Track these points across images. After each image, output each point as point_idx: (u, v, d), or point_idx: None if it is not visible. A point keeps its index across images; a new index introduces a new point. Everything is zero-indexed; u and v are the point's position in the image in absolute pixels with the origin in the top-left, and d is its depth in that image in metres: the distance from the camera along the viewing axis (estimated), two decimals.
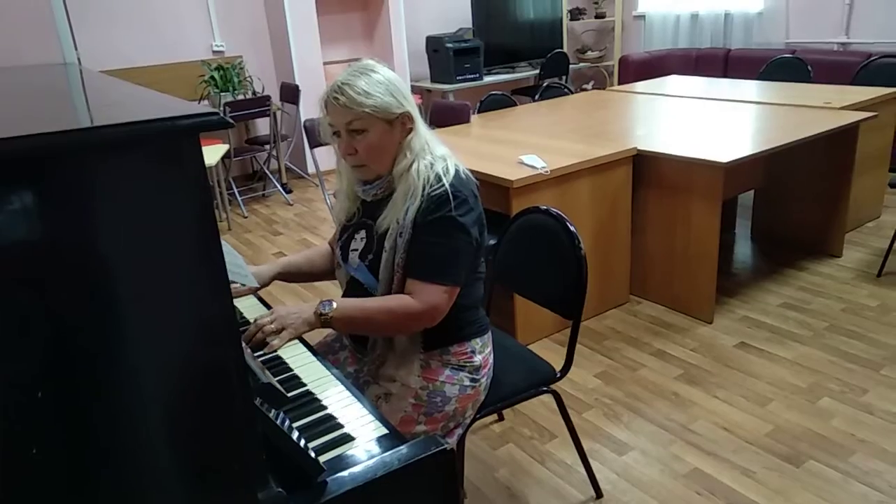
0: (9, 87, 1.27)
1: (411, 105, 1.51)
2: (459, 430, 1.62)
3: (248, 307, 1.68)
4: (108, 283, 0.76)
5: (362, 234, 1.60)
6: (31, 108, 1.05)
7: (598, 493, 1.95)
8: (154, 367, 0.81)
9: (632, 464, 2.08)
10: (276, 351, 1.40)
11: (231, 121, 0.79)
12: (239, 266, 1.51)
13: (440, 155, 1.54)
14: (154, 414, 0.83)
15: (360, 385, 1.62)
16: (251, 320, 1.49)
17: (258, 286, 1.66)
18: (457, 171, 1.52)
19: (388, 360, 1.60)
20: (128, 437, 0.82)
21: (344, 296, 1.69)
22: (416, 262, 1.48)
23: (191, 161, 0.76)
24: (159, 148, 0.74)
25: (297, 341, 1.46)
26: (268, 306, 1.66)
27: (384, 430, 1.14)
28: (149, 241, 0.77)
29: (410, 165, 1.50)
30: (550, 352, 2.71)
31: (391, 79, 1.49)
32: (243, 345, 0.90)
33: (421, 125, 1.54)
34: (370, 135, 1.47)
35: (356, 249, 1.59)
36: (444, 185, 1.47)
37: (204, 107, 0.77)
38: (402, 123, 1.50)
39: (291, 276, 1.77)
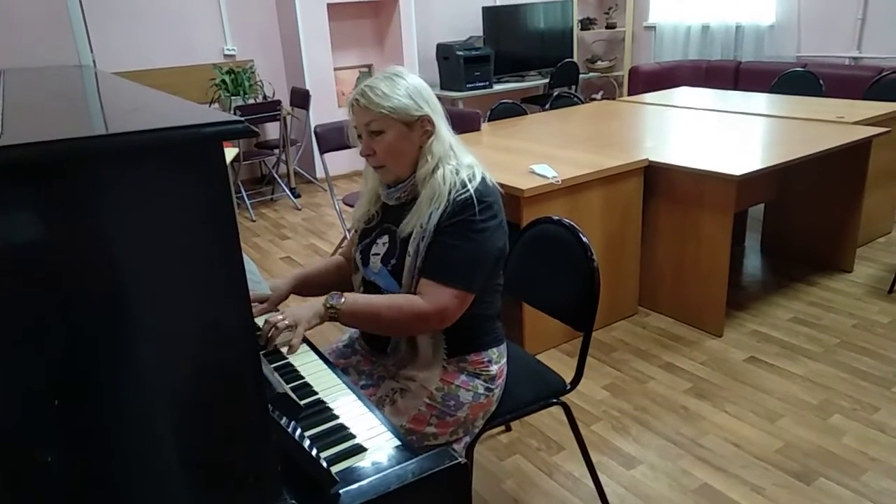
0: (32, 90, 1.28)
1: (433, 110, 1.52)
2: (467, 439, 1.61)
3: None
4: (129, 290, 0.76)
5: (385, 238, 1.59)
6: (56, 112, 1.05)
7: None
8: (173, 375, 0.81)
9: (640, 478, 2.06)
10: (296, 350, 1.37)
11: (255, 129, 0.78)
12: (251, 272, 1.51)
13: (467, 163, 1.54)
14: (171, 421, 0.82)
15: (374, 380, 1.63)
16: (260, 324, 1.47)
17: (272, 297, 1.62)
18: (483, 179, 1.53)
19: (411, 363, 1.59)
20: (142, 444, 0.82)
21: None
22: (431, 262, 1.48)
23: (214, 168, 0.75)
24: (183, 155, 0.73)
25: (308, 349, 1.45)
26: None
27: (396, 442, 1.13)
28: (170, 247, 0.76)
29: (434, 170, 1.50)
30: (558, 362, 2.69)
31: (415, 84, 1.51)
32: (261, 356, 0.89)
33: (444, 131, 1.54)
34: (387, 136, 1.48)
35: (378, 254, 1.59)
36: (468, 190, 1.47)
37: (227, 114, 0.76)
38: (421, 126, 1.51)
39: (307, 288, 1.74)
